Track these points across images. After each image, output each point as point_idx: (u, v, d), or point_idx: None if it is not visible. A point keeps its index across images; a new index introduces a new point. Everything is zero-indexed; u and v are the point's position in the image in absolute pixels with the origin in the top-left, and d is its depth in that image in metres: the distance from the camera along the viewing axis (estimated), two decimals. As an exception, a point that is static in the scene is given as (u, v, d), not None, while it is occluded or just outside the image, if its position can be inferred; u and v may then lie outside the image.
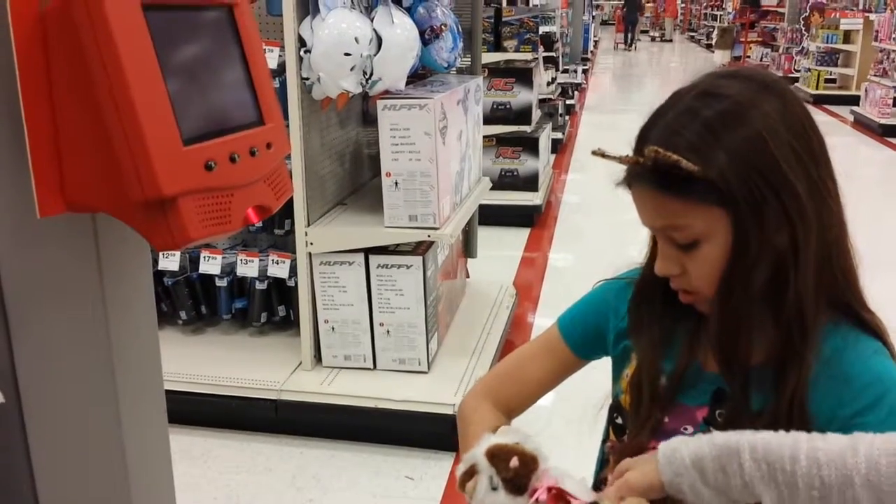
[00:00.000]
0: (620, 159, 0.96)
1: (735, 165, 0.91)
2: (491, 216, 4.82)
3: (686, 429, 1.04)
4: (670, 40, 27.92)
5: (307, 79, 2.61)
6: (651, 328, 1.09)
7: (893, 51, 10.01)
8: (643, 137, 0.97)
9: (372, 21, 2.63)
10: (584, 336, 1.19)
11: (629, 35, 23.57)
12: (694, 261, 0.97)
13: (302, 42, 2.58)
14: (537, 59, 6.14)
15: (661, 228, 0.97)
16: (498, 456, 0.92)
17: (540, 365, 1.20)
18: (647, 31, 29.51)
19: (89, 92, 0.66)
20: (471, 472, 0.94)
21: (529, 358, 1.23)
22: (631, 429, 1.09)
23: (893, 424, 0.95)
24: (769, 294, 0.96)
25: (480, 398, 1.20)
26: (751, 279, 0.94)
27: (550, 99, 7.42)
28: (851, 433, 0.84)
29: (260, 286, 3.15)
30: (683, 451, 0.87)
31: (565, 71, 9.27)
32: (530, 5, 6.99)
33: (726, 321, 0.97)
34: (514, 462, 0.90)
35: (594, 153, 1.00)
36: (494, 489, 0.91)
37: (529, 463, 0.91)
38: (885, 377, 0.96)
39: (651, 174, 0.93)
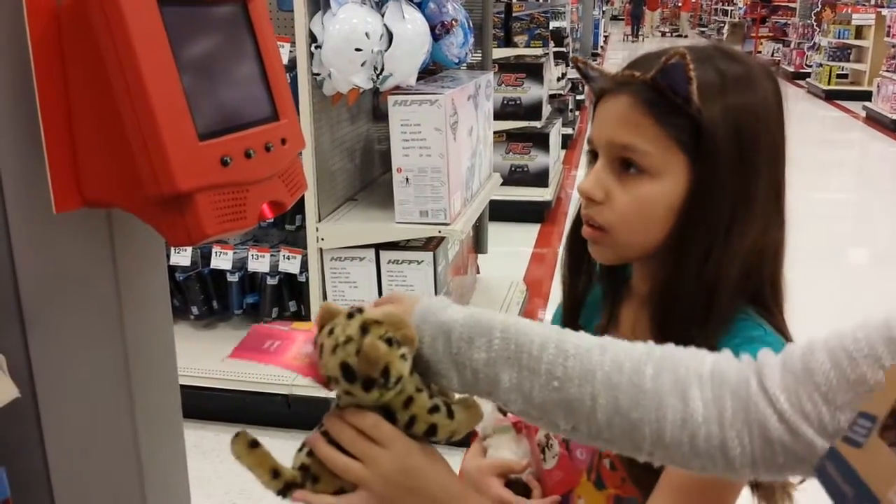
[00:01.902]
0: (616, 74, 0.95)
1: (725, 122, 0.90)
2: (501, 212, 4.81)
3: None
4: (685, 35, 27.75)
5: (318, 74, 2.62)
6: (574, 280, 1.09)
7: (906, 46, 9.95)
8: (642, 64, 0.95)
9: (383, 16, 2.63)
10: None
11: (635, 28, 25.55)
12: (626, 190, 0.93)
13: (313, 37, 2.58)
14: (548, 54, 6.12)
15: (621, 146, 0.93)
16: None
17: None
18: (658, 27, 29.44)
19: (105, 87, 0.66)
20: None
21: None
22: None
23: None
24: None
25: None
26: (694, 236, 0.92)
27: (560, 94, 7.40)
28: None
29: (271, 281, 3.16)
30: (440, 306, 0.81)
31: (575, 66, 9.22)
32: (540, 1, 6.98)
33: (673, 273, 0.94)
34: None
35: (578, 63, 1.02)
36: None
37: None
38: (738, 338, 0.92)
39: (643, 88, 0.91)
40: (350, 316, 0.78)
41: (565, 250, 1.10)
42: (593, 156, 0.98)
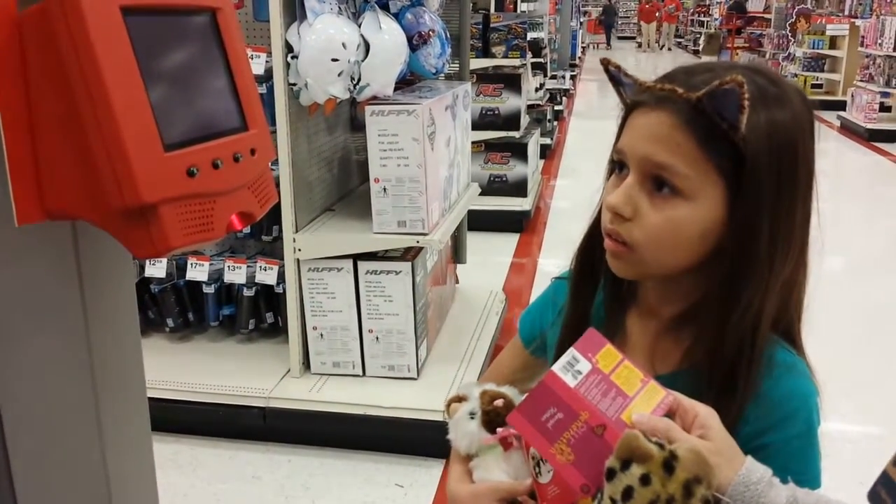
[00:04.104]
0: (655, 87, 0.91)
1: (769, 147, 0.88)
2: (480, 222, 4.81)
3: None
4: (668, 48, 27.87)
5: (294, 84, 2.60)
6: (584, 290, 1.06)
7: (879, 56, 10.07)
8: (678, 79, 0.92)
9: (359, 27, 2.63)
10: (531, 334, 1.18)
11: (607, 35, 27.82)
12: (657, 209, 0.90)
13: (289, 48, 2.57)
14: (525, 64, 6.14)
15: (657, 164, 0.89)
16: (488, 394, 0.97)
17: (509, 364, 1.22)
18: (633, 38, 29.76)
19: (68, 97, 0.65)
20: (459, 398, 1.00)
21: (503, 357, 1.25)
22: None
23: (799, 448, 0.91)
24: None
25: None
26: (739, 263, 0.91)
27: (539, 104, 7.43)
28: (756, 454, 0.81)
29: (248, 293, 3.13)
30: (762, 490, 0.79)
31: (553, 77, 9.28)
32: (518, 11, 7.01)
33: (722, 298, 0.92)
34: (499, 402, 0.95)
35: (610, 66, 0.97)
36: (472, 417, 0.96)
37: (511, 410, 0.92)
38: (796, 395, 0.92)
39: (685, 106, 0.87)
40: (667, 467, 0.74)
41: (577, 261, 1.07)
42: (618, 166, 0.95)
